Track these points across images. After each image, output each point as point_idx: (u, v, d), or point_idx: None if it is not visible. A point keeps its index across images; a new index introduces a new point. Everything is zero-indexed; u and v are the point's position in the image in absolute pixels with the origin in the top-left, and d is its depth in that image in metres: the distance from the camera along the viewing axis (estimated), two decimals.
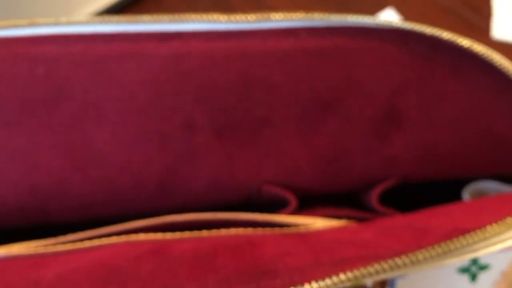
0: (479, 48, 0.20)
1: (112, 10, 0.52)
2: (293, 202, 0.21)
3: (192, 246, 0.18)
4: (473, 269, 0.20)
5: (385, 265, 0.16)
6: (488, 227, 0.17)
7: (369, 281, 0.19)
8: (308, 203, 0.22)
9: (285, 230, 0.20)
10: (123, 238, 0.19)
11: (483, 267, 0.20)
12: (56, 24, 0.19)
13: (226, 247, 0.18)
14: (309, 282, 0.16)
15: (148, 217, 0.20)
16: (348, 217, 0.21)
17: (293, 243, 0.18)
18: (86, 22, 0.19)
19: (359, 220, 0.21)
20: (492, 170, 0.23)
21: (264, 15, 0.20)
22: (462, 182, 0.23)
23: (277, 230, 0.20)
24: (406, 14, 0.54)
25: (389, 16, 0.54)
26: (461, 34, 0.20)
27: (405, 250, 0.17)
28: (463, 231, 0.17)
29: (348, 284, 0.16)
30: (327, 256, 0.17)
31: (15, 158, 0.20)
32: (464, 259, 0.17)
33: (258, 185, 0.21)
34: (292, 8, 0.21)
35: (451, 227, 0.17)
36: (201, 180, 0.21)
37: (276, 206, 0.22)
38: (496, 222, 0.17)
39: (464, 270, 0.20)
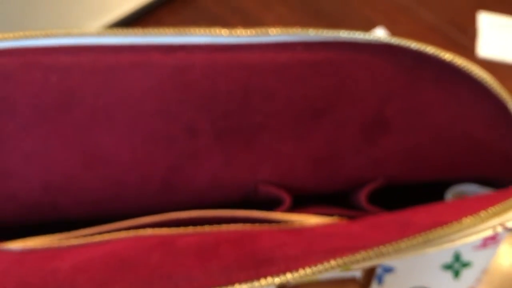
0: (460, 61, 0.21)
1: (118, 26, 0.53)
2: (288, 201, 0.23)
3: (196, 239, 0.19)
4: (456, 266, 0.22)
5: (371, 253, 0.18)
6: (464, 220, 0.19)
7: (357, 273, 0.20)
8: (302, 203, 0.24)
9: (281, 226, 0.21)
10: (132, 233, 0.20)
11: (466, 264, 0.22)
12: (69, 35, 0.20)
13: (227, 240, 0.19)
14: (303, 268, 0.17)
15: (153, 214, 0.22)
16: (339, 215, 0.23)
17: (289, 236, 0.20)
18: (97, 34, 0.20)
19: (349, 218, 0.22)
20: (472, 173, 0.24)
21: (263, 30, 0.21)
22: (445, 185, 0.25)
23: (273, 226, 0.21)
24: (395, 34, 0.55)
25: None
26: (447, 52, 0.21)
27: (389, 240, 0.18)
28: (442, 224, 0.18)
29: (338, 270, 0.18)
30: (319, 246, 0.18)
31: (29, 158, 0.21)
32: (443, 249, 0.18)
33: (255, 184, 0.23)
34: (286, 27, 0.22)
35: (432, 220, 0.19)
36: (202, 179, 0.22)
37: (272, 204, 0.23)
38: (471, 215, 0.19)
39: (447, 266, 0.22)
